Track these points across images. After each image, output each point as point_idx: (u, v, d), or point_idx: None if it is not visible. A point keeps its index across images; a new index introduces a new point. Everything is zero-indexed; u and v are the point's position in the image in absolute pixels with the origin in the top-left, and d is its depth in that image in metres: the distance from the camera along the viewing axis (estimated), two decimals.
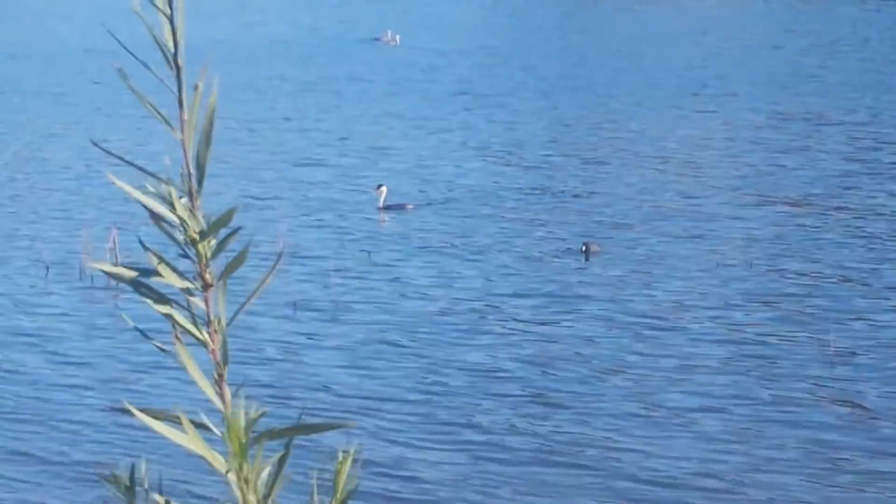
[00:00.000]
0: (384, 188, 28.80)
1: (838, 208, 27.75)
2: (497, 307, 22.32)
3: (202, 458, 3.31)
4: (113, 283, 24.08)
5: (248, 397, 3.38)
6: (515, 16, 70.02)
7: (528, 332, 21.07)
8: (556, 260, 24.84)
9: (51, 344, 21.27)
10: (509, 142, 35.99)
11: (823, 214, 27.30)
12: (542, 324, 21.45)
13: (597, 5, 73.98)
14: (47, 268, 25.16)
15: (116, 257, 24.53)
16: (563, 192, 30.06)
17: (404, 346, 20.50)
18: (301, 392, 18.69)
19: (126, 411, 3.36)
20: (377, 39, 59.13)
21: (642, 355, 19.82)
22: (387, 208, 28.54)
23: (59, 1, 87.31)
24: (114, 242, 24.82)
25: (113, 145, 34.85)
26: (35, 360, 20.57)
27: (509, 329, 21.19)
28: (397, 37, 58.74)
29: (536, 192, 30.17)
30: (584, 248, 24.90)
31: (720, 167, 32.04)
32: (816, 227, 26.36)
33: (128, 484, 3.20)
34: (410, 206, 28.69)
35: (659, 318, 21.40)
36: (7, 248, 26.88)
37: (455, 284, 23.59)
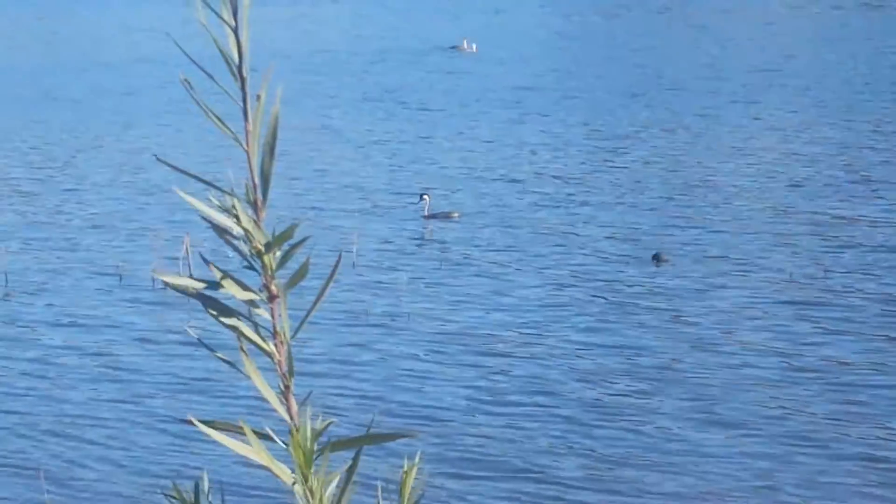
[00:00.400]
0: (427, 197, 28.87)
1: None
2: (558, 317, 22.26)
3: (267, 469, 3.30)
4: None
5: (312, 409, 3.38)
6: (589, 25, 69.94)
7: (589, 343, 20.97)
8: (620, 269, 24.74)
9: (119, 355, 21.37)
10: (568, 151, 35.90)
11: None
12: (607, 334, 21.35)
13: (667, 11, 73.81)
14: (120, 277, 25.34)
15: (189, 266, 24.64)
16: (622, 202, 29.94)
17: (458, 359, 20.46)
18: (354, 403, 18.68)
19: (190, 423, 3.36)
20: (454, 48, 59.50)
21: (707, 369, 19.68)
22: (432, 217, 28.58)
23: (111, 14, 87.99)
24: (186, 251, 24.95)
25: (159, 155, 35.01)
26: (104, 372, 20.70)
27: (570, 340, 21.10)
28: (473, 45, 59.20)
29: (594, 202, 30.08)
30: (655, 258, 24.84)
31: (790, 178, 31.75)
32: (892, 242, 26.04)
33: (192, 500, 3.20)
34: (457, 215, 28.72)
35: (725, 330, 21.25)
36: (75, 259, 27.04)
37: (512, 294, 23.54)
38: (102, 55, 63.74)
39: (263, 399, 3.39)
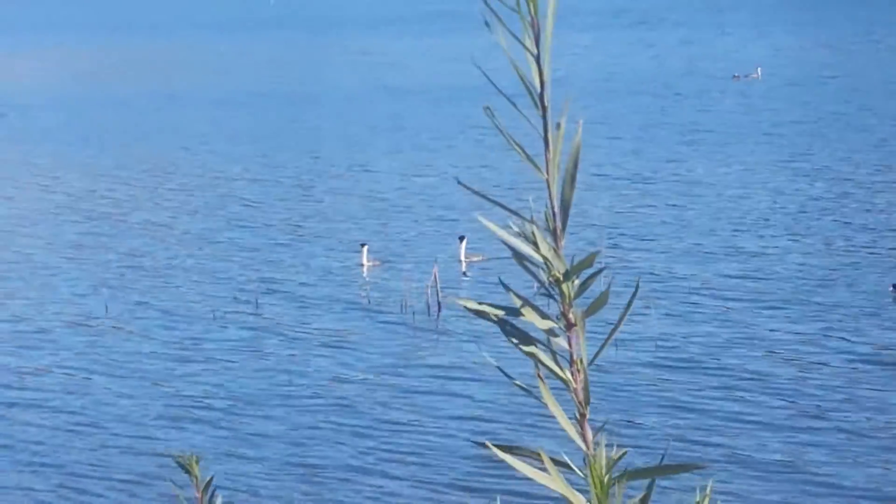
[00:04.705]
0: (464, 240, 28.34)
1: None
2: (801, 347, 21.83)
3: (562, 496, 3.30)
4: (433, 319, 24.54)
5: (609, 438, 3.36)
6: (855, 54, 68.45)
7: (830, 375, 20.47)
8: (859, 299, 24.18)
9: (386, 381, 21.63)
10: (822, 180, 35.13)
11: None
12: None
13: None
14: (368, 301, 25.77)
15: (438, 294, 25.03)
16: (862, 230, 29.18)
17: (742, 394, 20.05)
18: (646, 433, 18.49)
19: (486, 448, 3.38)
20: (746, 76, 58.79)
21: None
22: (468, 261, 28.15)
23: (406, 41, 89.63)
24: (434, 279, 25.32)
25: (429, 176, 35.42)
26: (371, 396, 20.99)
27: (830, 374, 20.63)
28: (758, 71, 58.87)
29: (833, 227, 29.44)
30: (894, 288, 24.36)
31: None
32: None
33: None
34: (482, 258, 28.18)
35: None
36: (333, 284, 27.58)
37: (760, 328, 23.10)
38: (403, 81, 64.80)
39: (559, 426, 3.39)
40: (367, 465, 18.18)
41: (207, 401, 21.00)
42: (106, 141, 49.79)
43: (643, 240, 29.74)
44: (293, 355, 23.05)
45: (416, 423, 19.64)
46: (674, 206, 33.22)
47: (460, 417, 19.73)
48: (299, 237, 31.92)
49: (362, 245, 28.88)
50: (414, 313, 24.91)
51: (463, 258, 28.24)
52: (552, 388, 3.42)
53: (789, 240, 29.13)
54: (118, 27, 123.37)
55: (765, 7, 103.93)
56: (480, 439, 17.74)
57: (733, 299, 24.89)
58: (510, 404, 19.69)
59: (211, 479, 4.87)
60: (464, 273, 26.88)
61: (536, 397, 3.41)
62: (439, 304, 25.07)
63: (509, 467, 3.36)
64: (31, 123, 56.42)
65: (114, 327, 25.16)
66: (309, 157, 43.66)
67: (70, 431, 20.09)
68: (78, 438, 19.81)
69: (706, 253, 28.37)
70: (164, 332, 24.69)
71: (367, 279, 27.69)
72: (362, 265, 28.48)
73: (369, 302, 25.83)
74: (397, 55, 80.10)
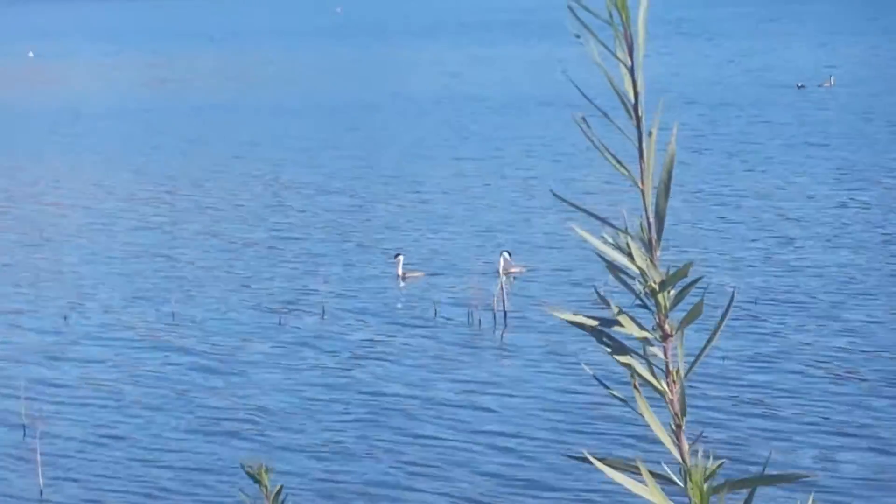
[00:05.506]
0: (506, 254, 28.19)
1: None
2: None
3: None
4: (498, 329, 24.51)
5: (704, 447, 3.35)
6: None
7: None
8: None
9: (435, 395, 21.60)
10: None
11: None
12: None
13: None
14: (435, 311, 25.76)
15: (504, 303, 25.03)
16: None
17: (843, 409, 19.75)
18: (744, 443, 18.32)
19: (585, 460, 3.38)
20: (819, 85, 58.23)
21: None
22: (506, 273, 28.01)
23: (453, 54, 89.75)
24: (501, 289, 25.34)
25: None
26: (414, 410, 20.95)
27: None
28: (832, 79, 58.44)
29: None
30: None
31: None
32: None
33: None
34: (522, 269, 28.03)
35: None
36: (370, 295, 27.52)
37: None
38: (462, 90, 64.91)
39: (655, 437, 3.37)
40: (407, 481, 18.15)
41: (253, 413, 20.99)
42: (157, 150, 50.23)
43: (726, 252, 29.49)
44: (327, 368, 23.05)
45: (476, 439, 19.60)
46: (748, 215, 33.05)
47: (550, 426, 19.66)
48: (343, 249, 31.87)
49: (396, 255, 28.76)
50: (480, 323, 24.91)
51: (502, 271, 28.21)
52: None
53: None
54: (184, 36, 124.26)
55: (825, 17, 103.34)
56: (553, 455, 17.76)
57: (826, 308, 24.64)
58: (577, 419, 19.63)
59: (280, 488, 4.87)
60: (503, 286, 26.76)
61: (632, 407, 3.41)
62: (505, 314, 25.07)
63: (606, 478, 3.36)
64: (91, 131, 57.03)
65: (148, 337, 25.26)
66: (362, 166, 43.76)
67: (99, 444, 20.10)
68: (108, 451, 19.81)
69: (788, 261, 28.16)
70: (199, 342, 24.75)
71: (404, 290, 27.61)
72: (398, 275, 28.33)
73: (404, 314, 25.80)
74: (457, 64, 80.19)
